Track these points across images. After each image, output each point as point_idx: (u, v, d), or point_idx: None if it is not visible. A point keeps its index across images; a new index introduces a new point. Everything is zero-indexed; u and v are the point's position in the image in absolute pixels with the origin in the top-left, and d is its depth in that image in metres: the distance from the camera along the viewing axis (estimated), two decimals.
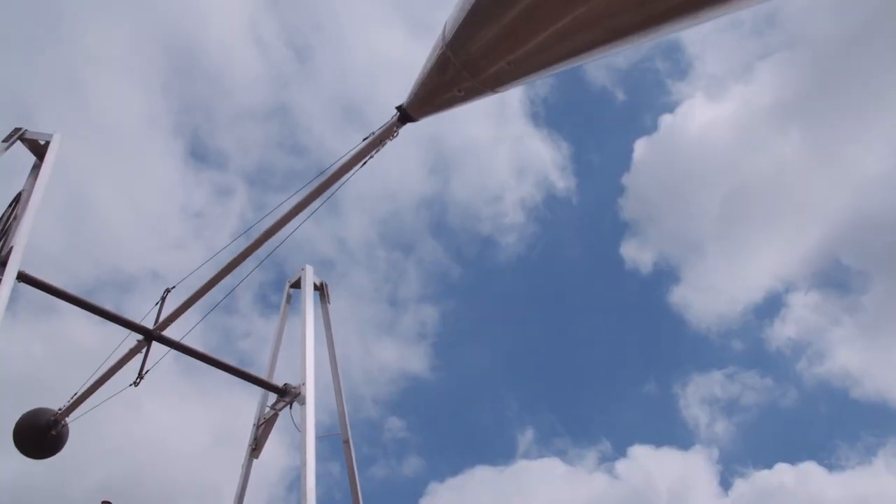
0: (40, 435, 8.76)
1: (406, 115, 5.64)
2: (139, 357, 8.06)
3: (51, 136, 7.23)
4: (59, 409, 8.75)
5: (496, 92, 4.95)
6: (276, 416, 7.92)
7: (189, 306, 7.79)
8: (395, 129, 5.84)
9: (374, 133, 6.06)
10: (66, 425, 8.88)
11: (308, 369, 7.64)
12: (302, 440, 7.11)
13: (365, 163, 6.35)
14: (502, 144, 45.60)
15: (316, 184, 6.52)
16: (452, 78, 4.86)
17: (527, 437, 39.74)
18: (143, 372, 7.82)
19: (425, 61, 5.13)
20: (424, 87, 5.25)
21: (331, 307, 8.45)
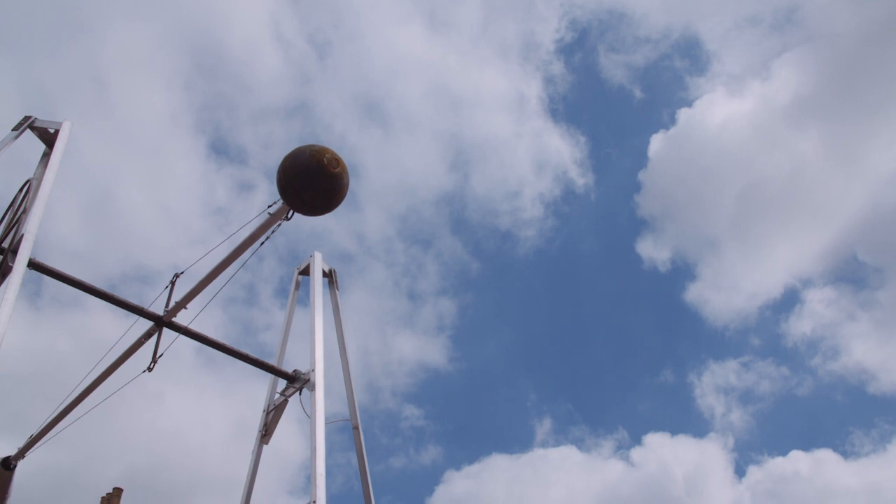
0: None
1: None
2: (152, 345, 8.13)
3: (60, 124, 7.27)
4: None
5: None
6: (285, 402, 7.95)
7: (196, 293, 7.83)
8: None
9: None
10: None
11: (317, 355, 7.65)
12: (311, 426, 7.12)
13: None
14: (521, 140, 45.51)
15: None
16: None
17: (544, 425, 39.81)
18: (157, 356, 7.87)
19: None
20: None
21: (339, 294, 8.46)
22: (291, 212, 6.91)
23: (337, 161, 6.48)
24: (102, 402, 8.52)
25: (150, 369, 7.95)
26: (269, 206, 7.02)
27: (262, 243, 7.38)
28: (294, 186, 6.47)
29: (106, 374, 8.33)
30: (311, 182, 6.39)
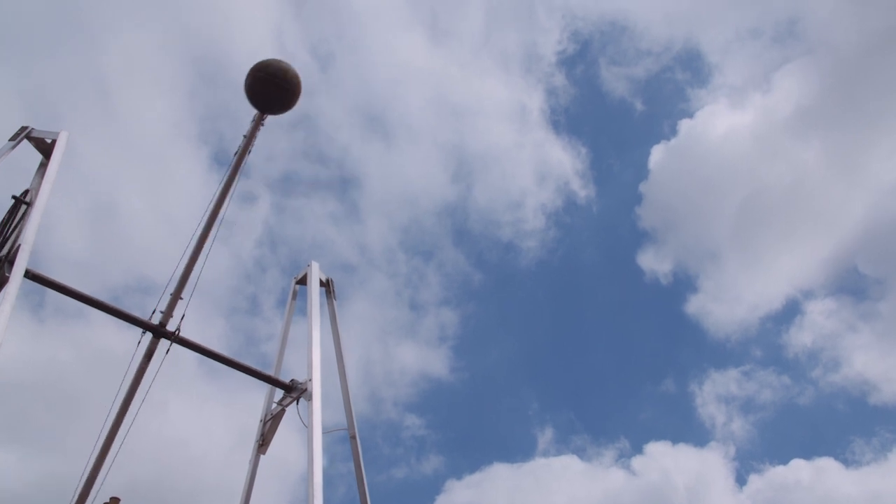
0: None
1: None
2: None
3: (57, 134, 7.28)
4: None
5: None
6: (282, 412, 7.93)
7: (184, 283, 7.83)
8: None
9: None
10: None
11: (314, 365, 7.63)
12: (309, 435, 7.10)
13: None
14: (523, 151, 45.56)
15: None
16: None
17: (545, 434, 39.70)
18: (143, 367, 7.79)
19: None
20: None
21: (337, 303, 8.44)
22: (265, 116, 8.02)
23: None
24: (130, 427, 8.35)
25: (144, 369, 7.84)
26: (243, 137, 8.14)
27: (244, 160, 8.14)
28: (267, 85, 7.72)
29: (127, 401, 8.22)
30: (277, 77, 7.70)
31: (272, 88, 7.68)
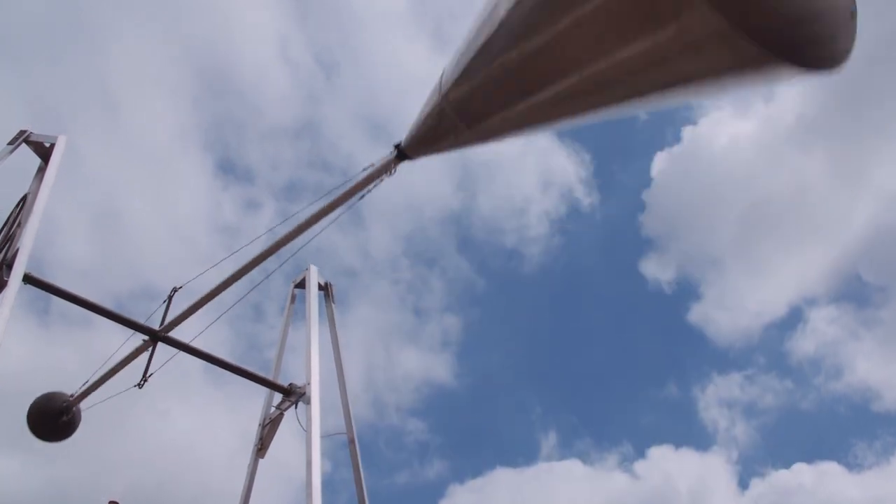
0: (53, 418, 8.87)
1: (403, 154, 5.82)
2: (145, 359, 8.08)
3: (55, 138, 7.30)
4: (72, 395, 8.88)
5: (488, 142, 5.07)
6: (281, 416, 7.91)
7: (195, 310, 7.78)
8: (392, 166, 5.96)
9: (373, 166, 6.12)
10: (78, 411, 8.96)
11: (313, 369, 7.61)
12: (307, 439, 7.08)
13: (363, 196, 6.39)
14: (528, 158, 45.61)
15: (323, 202, 6.54)
16: (447, 128, 5.08)
17: (548, 439, 39.67)
18: (147, 374, 7.83)
19: (423, 105, 5.29)
20: (421, 132, 5.42)
21: (336, 307, 8.43)
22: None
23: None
24: None
25: (139, 386, 7.91)
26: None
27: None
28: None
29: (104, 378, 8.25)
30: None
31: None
